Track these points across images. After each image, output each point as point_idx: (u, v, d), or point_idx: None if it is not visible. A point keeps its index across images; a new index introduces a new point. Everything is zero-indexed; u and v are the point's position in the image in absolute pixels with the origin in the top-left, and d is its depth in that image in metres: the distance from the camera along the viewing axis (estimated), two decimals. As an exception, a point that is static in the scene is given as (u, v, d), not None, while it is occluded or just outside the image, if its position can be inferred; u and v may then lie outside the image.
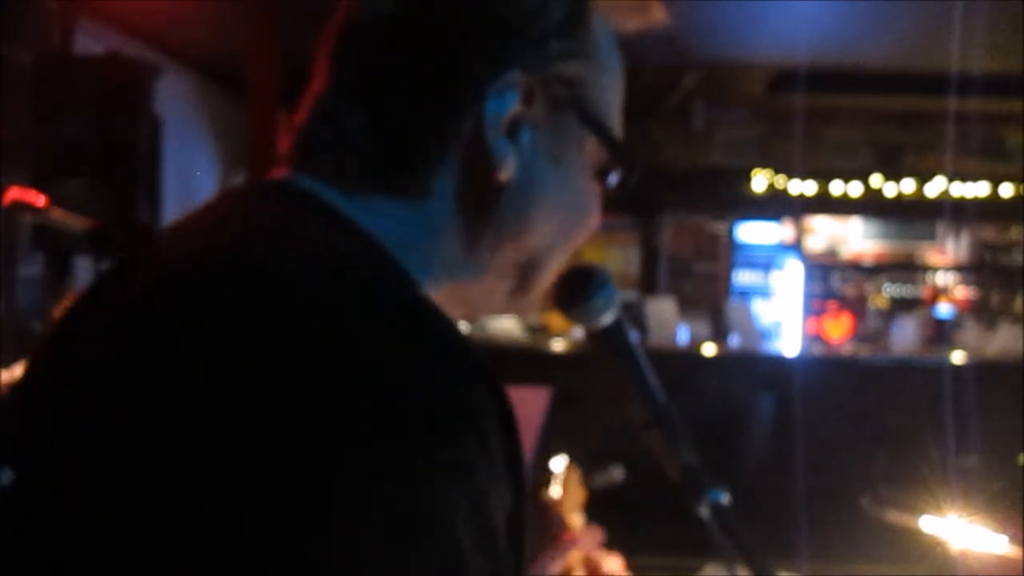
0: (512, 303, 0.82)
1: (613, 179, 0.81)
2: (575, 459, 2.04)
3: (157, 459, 0.59)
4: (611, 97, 0.80)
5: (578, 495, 2.03)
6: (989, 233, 9.63)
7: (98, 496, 0.60)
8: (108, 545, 0.59)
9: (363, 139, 0.74)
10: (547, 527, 1.98)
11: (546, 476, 2.03)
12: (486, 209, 0.75)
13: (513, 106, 0.74)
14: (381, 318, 0.63)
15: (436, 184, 0.74)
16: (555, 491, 1.99)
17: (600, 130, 0.78)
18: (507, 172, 0.74)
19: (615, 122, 0.81)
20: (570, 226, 0.80)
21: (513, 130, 0.74)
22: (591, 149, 0.79)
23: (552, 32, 0.75)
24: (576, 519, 2.00)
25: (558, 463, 2.03)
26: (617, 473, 2.02)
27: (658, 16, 0.83)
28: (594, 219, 0.82)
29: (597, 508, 2.07)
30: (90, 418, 0.63)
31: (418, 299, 0.67)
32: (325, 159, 0.74)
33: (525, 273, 0.80)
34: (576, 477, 2.03)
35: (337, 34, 0.77)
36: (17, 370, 2.51)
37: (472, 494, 0.60)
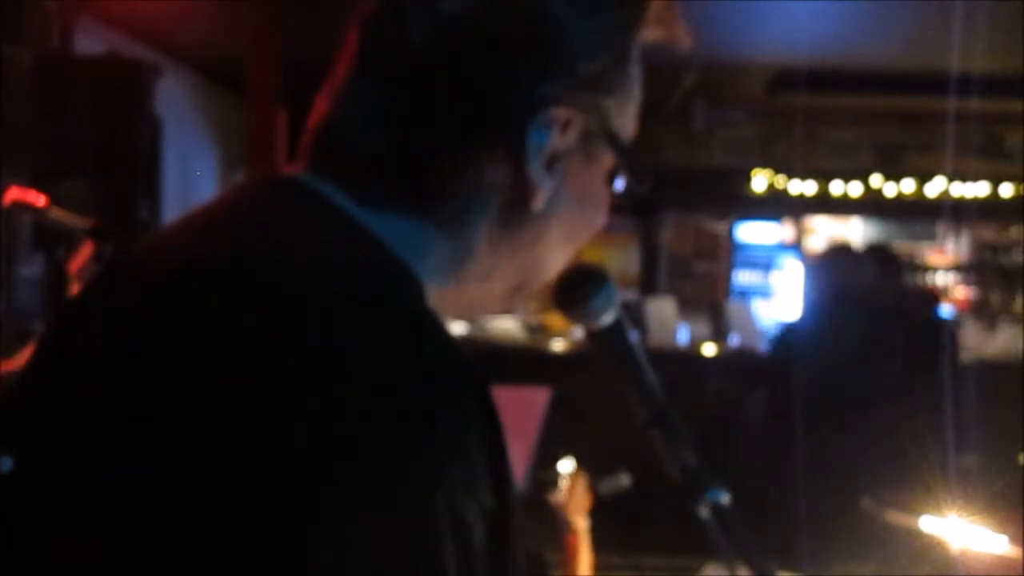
0: (509, 303, 0.82)
1: (620, 187, 0.81)
2: (580, 462, 2.04)
3: (150, 460, 0.60)
4: (631, 118, 0.81)
5: (584, 499, 2.04)
6: (989, 233, 9.62)
7: (94, 495, 0.61)
8: (102, 545, 0.60)
9: (390, 157, 0.73)
10: (555, 529, 1.99)
11: (552, 479, 2.03)
12: (512, 230, 0.76)
13: (553, 138, 0.74)
14: (376, 328, 0.64)
15: (463, 208, 0.73)
16: (561, 494, 1.99)
17: (620, 150, 0.79)
18: (542, 200, 0.75)
19: (629, 134, 0.81)
20: (579, 233, 0.81)
21: (552, 161, 0.74)
22: (607, 161, 0.79)
23: (599, 71, 0.75)
24: (581, 522, 2.01)
25: (565, 467, 2.04)
26: (624, 479, 2.03)
27: (684, 39, 0.83)
28: (601, 224, 0.82)
29: (597, 508, 2.07)
30: (90, 415, 0.64)
31: (417, 308, 0.68)
32: (345, 167, 0.73)
33: (527, 275, 0.80)
34: (583, 481, 2.04)
35: (368, 28, 0.75)
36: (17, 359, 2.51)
37: (448, 499, 0.60)
